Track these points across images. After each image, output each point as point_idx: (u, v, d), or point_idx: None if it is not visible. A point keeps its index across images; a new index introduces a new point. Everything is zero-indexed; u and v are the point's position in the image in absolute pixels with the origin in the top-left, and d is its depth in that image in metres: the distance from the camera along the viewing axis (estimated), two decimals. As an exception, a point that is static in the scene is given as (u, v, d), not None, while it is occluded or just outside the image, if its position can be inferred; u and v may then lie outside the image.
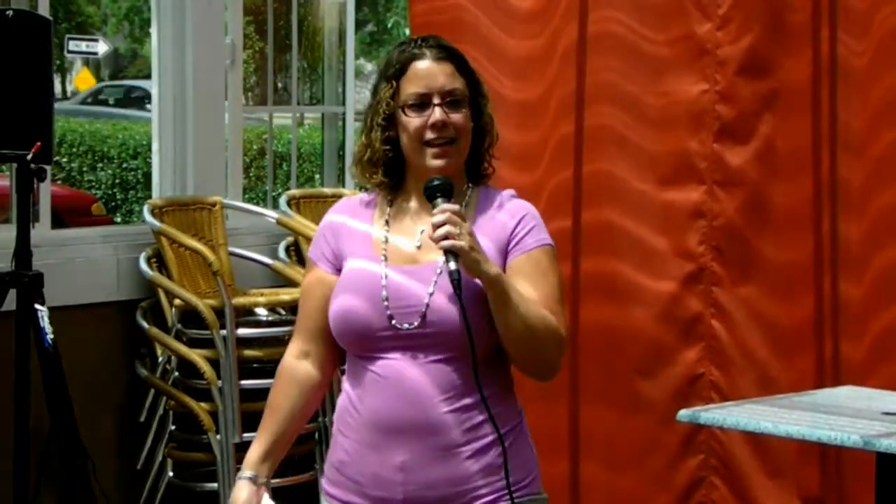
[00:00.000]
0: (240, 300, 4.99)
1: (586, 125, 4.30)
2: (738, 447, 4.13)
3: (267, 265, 5.30)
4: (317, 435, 5.04)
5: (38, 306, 4.25)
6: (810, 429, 3.13)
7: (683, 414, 3.34)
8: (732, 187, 4.14)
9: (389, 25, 22.97)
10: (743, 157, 4.13)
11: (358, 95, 6.89)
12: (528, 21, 4.39)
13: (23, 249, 4.28)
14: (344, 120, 6.34)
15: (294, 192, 5.64)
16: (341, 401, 2.69)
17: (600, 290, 4.27)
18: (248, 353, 4.92)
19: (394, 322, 2.59)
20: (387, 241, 2.67)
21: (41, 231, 4.76)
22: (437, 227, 2.53)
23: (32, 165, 4.23)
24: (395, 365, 2.59)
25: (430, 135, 2.63)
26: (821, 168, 4.02)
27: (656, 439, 4.22)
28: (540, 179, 4.34)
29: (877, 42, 3.87)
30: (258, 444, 2.71)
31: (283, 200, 5.50)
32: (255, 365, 4.97)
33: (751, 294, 4.12)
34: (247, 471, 2.69)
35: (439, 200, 2.56)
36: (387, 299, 2.59)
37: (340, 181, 6.36)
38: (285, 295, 5.16)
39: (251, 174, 13.77)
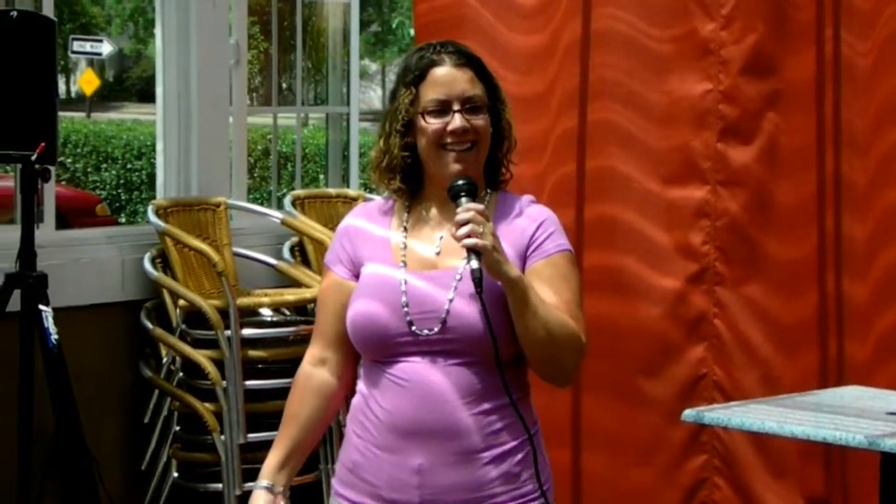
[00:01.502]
0: (244, 301, 4.99)
1: (589, 120, 4.30)
2: (742, 447, 4.13)
3: (271, 265, 5.30)
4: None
5: (42, 307, 4.25)
6: (814, 429, 3.12)
7: (688, 414, 3.34)
8: (736, 186, 4.14)
9: (394, 26, 22.97)
10: (747, 157, 4.12)
11: (362, 96, 6.90)
12: (531, 17, 4.40)
13: (27, 250, 4.28)
14: (348, 120, 6.35)
15: (298, 192, 5.64)
16: (356, 402, 2.68)
17: (602, 284, 4.26)
18: (253, 353, 4.92)
19: (414, 328, 2.58)
20: (405, 246, 2.67)
21: (45, 232, 4.76)
22: (460, 225, 2.52)
23: (37, 166, 4.24)
24: (416, 368, 2.59)
25: (448, 139, 2.62)
26: (824, 167, 4.02)
27: (660, 437, 4.22)
28: (542, 173, 4.35)
29: (881, 42, 3.87)
30: (275, 453, 2.70)
31: (287, 201, 5.50)
32: (259, 365, 4.97)
33: (755, 293, 4.12)
34: (263, 480, 2.68)
35: (463, 200, 2.56)
36: (407, 305, 2.59)
37: (345, 181, 6.37)
38: (290, 295, 5.16)
39: (255, 174, 13.78)
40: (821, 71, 4.01)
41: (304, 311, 5.22)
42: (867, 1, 3.92)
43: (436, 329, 2.57)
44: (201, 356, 4.82)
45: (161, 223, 4.99)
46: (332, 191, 5.86)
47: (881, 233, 3.88)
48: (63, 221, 6.25)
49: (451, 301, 2.58)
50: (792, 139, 4.07)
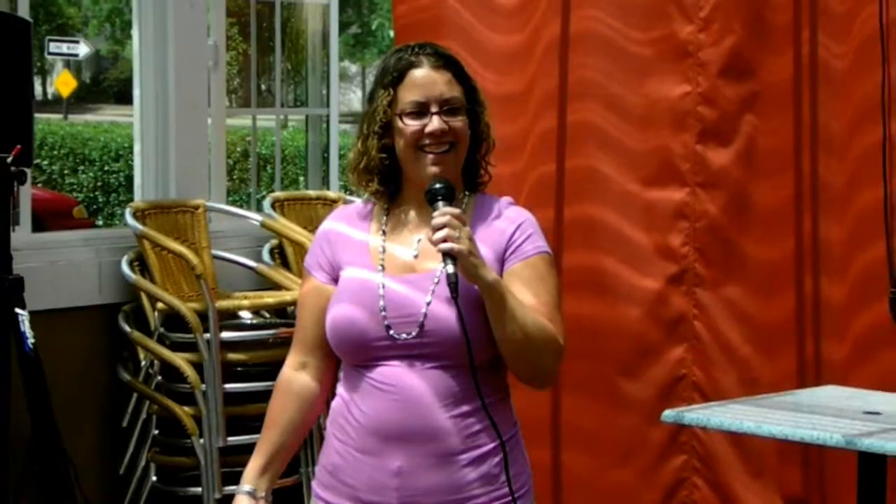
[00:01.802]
0: (223, 303, 4.98)
1: (569, 121, 4.31)
2: (720, 447, 4.15)
3: (251, 268, 5.29)
4: (300, 438, 5.02)
5: (18, 310, 4.23)
6: (792, 428, 3.14)
7: (668, 414, 3.35)
8: (714, 188, 4.15)
9: (374, 27, 22.95)
10: (725, 158, 4.14)
11: (342, 97, 6.90)
12: (511, 16, 4.42)
13: (3, 253, 4.26)
14: (328, 122, 6.34)
15: (278, 194, 5.63)
16: (335, 404, 2.69)
17: (582, 285, 4.28)
18: (232, 356, 4.91)
19: (391, 332, 2.58)
20: (384, 250, 2.67)
21: (22, 234, 4.74)
22: (436, 229, 2.52)
23: (12, 168, 4.21)
24: (394, 372, 2.59)
25: (426, 141, 2.62)
26: (802, 168, 4.04)
27: (639, 437, 4.23)
28: (521, 172, 4.37)
29: (857, 45, 3.88)
30: (257, 458, 2.70)
31: (266, 203, 5.49)
32: (238, 368, 4.96)
33: (733, 294, 4.14)
34: (245, 485, 2.68)
35: (440, 204, 2.56)
36: (384, 309, 2.59)
37: (325, 183, 6.36)
38: (269, 298, 5.15)
39: (235, 176, 13.75)
40: (798, 73, 4.03)
41: (283, 314, 5.21)
42: (843, 4, 3.93)
43: (413, 333, 2.58)
44: (180, 359, 4.80)
45: (139, 226, 4.97)
46: (311, 193, 5.86)
47: (858, 234, 3.90)
48: (39, 224, 6.22)
49: (428, 305, 2.58)
50: (770, 141, 4.09)
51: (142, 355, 4.96)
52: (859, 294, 3.90)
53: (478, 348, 2.55)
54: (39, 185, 13.56)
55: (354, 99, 24.40)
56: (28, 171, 4.33)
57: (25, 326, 4.22)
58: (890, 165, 3.80)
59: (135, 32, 5.39)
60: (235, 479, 2.73)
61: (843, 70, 3.94)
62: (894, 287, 3.77)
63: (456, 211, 2.55)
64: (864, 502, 3.28)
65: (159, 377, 4.92)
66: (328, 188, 6.17)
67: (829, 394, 3.59)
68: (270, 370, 4.67)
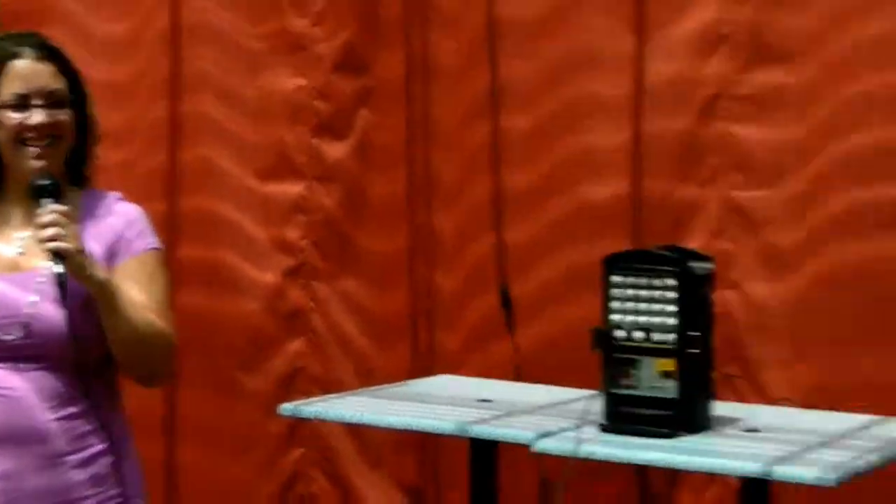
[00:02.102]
0: None
1: (183, 112, 4.29)
2: (339, 439, 4.19)
3: None
4: None
5: None
6: (410, 418, 3.20)
7: (286, 408, 3.36)
8: (330, 182, 4.20)
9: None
10: (340, 152, 4.19)
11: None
12: (118, 4, 4.39)
13: None
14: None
15: None
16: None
17: (199, 279, 4.25)
18: None
19: None
20: None
21: None
22: (42, 227, 2.46)
23: None
24: None
25: (28, 135, 2.56)
26: (415, 162, 4.13)
27: (257, 431, 4.24)
28: (131, 161, 4.31)
29: (466, 41, 4.00)
30: None
31: None
32: None
33: (349, 287, 4.20)
34: None
35: (46, 200, 2.50)
36: None
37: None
38: None
39: None
40: (411, 68, 4.11)
41: None
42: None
43: (18, 334, 2.51)
44: None
45: None
46: None
47: (469, 226, 4.02)
48: None
49: (33, 304, 2.51)
50: (384, 136, 4.16)
51: None
52: (471, 285, 4.02)
53: (87, 348, 2.50)
54: None
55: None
56: None
57: None
58: (499, 159, 3.94)
59: None
60: None
61: (454, 66, 4.05)
62: (503, 278, 3.93)
63: (63, 208, 2.49)
64: (475, 487, 3.38)
65: None
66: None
67: (444, 383, 3.69)
68: None
